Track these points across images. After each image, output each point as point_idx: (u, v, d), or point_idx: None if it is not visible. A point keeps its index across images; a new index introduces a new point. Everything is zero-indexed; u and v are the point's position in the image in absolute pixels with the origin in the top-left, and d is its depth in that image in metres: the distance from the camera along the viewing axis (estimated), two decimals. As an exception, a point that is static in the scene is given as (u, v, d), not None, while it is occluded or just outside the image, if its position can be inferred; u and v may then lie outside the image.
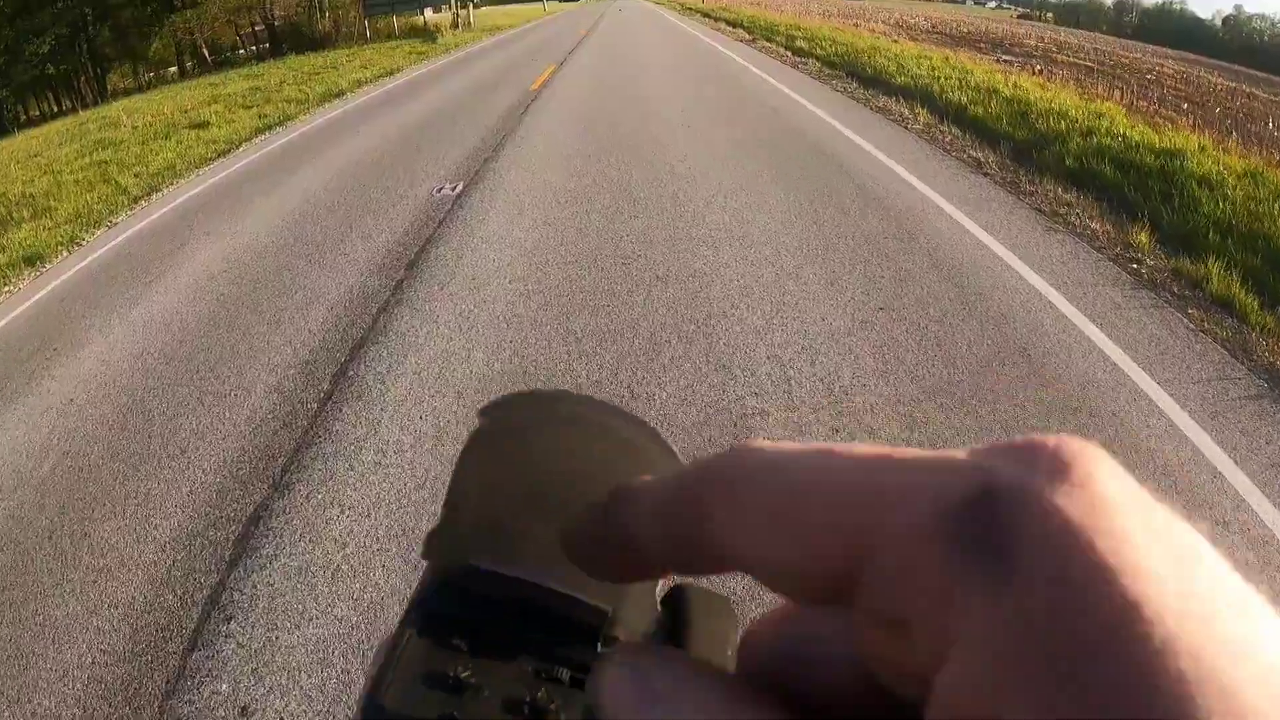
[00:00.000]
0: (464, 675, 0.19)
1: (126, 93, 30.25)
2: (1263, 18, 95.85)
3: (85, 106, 29.36)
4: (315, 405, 3.24)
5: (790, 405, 2.96)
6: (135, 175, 8.74)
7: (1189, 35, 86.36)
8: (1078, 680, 0.10)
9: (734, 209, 5.16)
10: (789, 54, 13.64)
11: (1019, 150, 6.89)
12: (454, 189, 6.13)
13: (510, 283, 4.25)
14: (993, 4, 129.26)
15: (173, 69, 35.01)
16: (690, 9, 37.30)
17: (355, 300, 4.28)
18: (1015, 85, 10.08)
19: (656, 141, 7.16)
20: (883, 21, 27.22)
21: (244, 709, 1.98)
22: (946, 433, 2.77)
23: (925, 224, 4.90)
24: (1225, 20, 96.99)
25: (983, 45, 23.19)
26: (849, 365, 3.20)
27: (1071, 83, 14.48)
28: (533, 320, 3.78)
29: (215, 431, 3.19)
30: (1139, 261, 4.35)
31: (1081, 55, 25.24)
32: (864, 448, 0.14)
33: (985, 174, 6.01)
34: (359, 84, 14.20)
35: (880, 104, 8.91)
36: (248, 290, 4.70)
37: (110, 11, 31.56)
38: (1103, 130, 7.12)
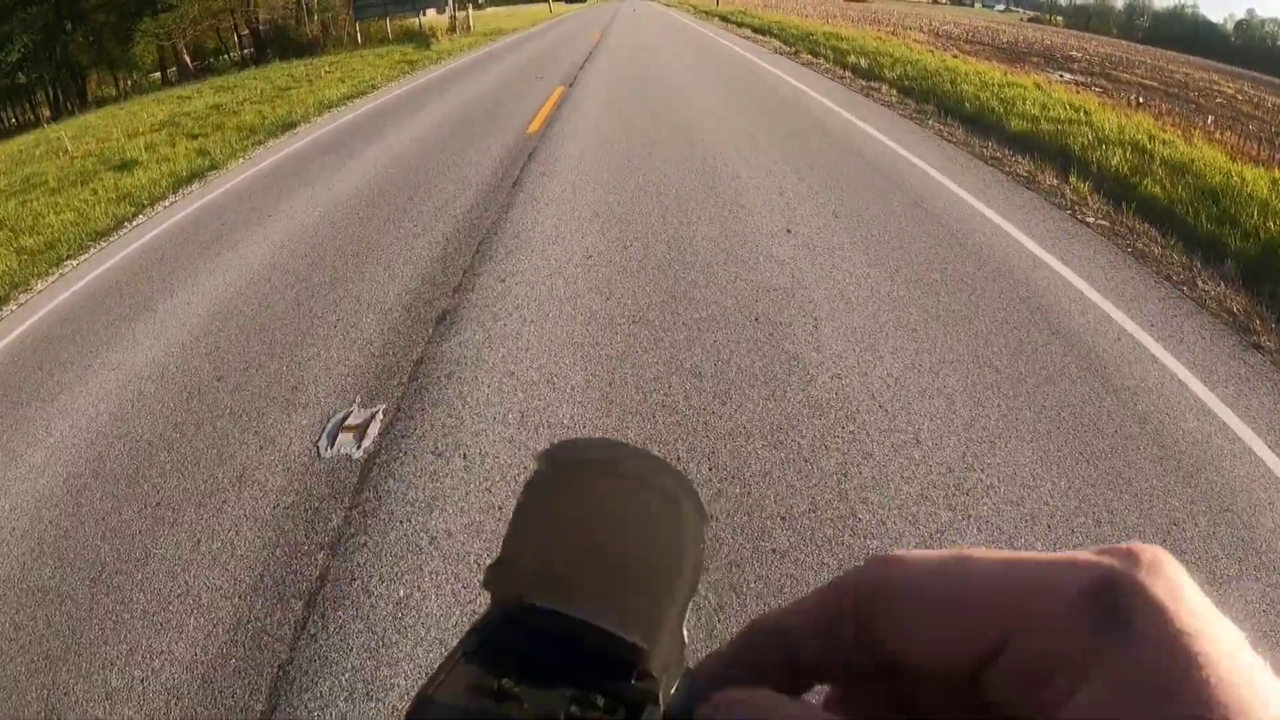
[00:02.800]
0: (507, 686, 0.21)
1: (101, 103, 27.90)
2: (1275, 22, 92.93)
3: (59, 117, 26.98)
4: None
5: None
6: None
7: (1200, 39, 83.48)
8: (1169, 703, 0.15)
9: (957, 474, 2.58)
10: (847, 74, 11.02)
11: (1252, 271, 4.36)
12: (358, 437, 2.89)
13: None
14: (1000, 6, 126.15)
15: (156, 75, 32.57)
16: (703, 11, 34.58)
17: None
18: (1156, 137, 7.57)
19: (751, 281, 3.95)
20: (920, 30, 24.67)
21: None
22: None
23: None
24: (1238, 25, 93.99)
25: (1034, 59, 20.53)
26: None
27: (1170, 116, 11.98)
28: None
29: None
30: None
31: (1136, 71, 22.56)
32: (996, 553, 0.19)
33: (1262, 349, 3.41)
34: (325, 107, 11.61)
35: (1014, 166, 6.34)
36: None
37: (84, 16, 28.95)
38: None
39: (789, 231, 4.36)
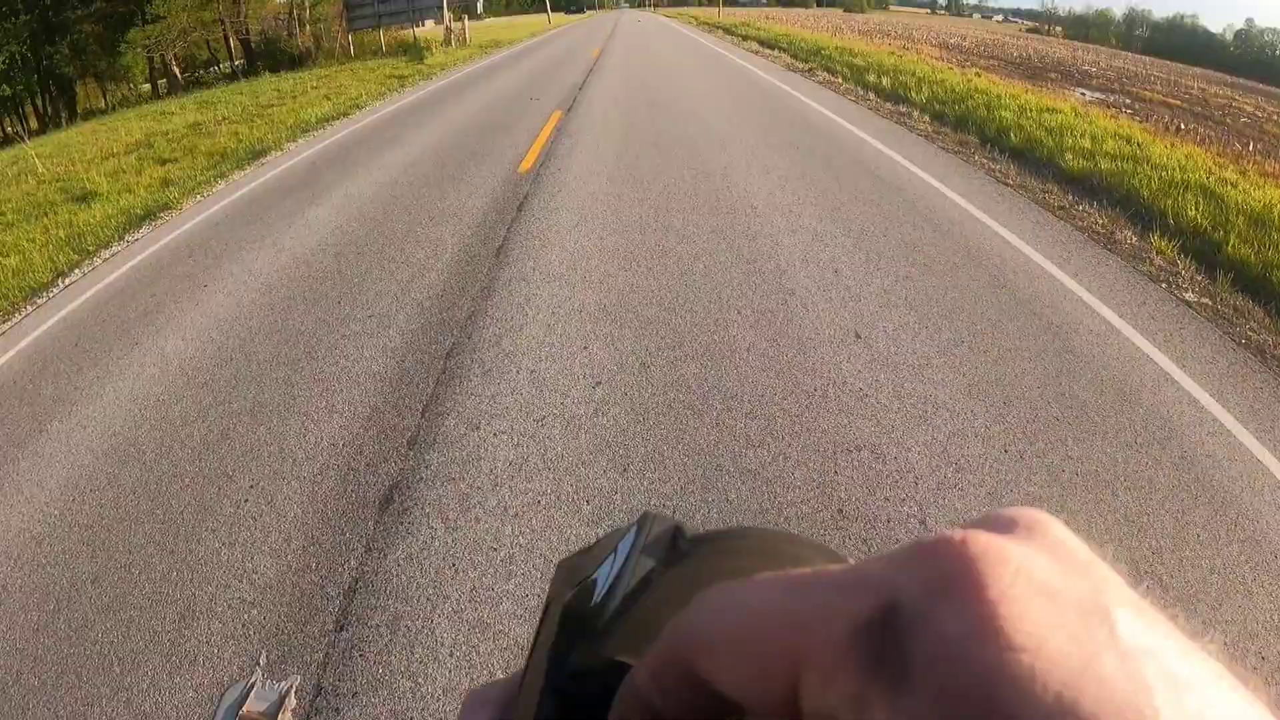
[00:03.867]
0: None
1: (90, 115, 27.08)
2: (1275, 31, 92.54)
3: (46, 130, 26.13)
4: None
5: None
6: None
7: (1200, 49, 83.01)
8: None
9: None
10: (871, 96, 10.07)
11: None
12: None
13: None
14: (998, 17, 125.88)
15: (147, 86, 31.70)
16: (705, 23, 33.75)
17: None
18: (1214, 173, 6.69)
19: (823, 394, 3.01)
20: (928, 43, 23.81)
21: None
22: None
23: None
24: (1237, 34, 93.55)
25: (1051, 75, 19.64)
26: None
27: (1213, 145, 11.14)
28: None
29: None
30: None
31: (1155, 88, 21.68)
32: (797, 573, 0.16)
33: None
34: (302, 129, 10.66)
35: (1085, 218, 5.39)
36: None
37: (70, 26, 28.08)
38: None
39: (858, 337, 3.37)
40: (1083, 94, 16.74)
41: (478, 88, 13.45)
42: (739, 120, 8.49)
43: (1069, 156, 6.90)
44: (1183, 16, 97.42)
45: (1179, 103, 18.00)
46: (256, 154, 9.30)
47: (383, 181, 6.73)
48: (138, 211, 7.37)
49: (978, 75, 12.83)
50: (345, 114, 11.70)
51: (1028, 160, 6.96)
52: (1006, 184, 6.05)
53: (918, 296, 3.81)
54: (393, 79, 16.57)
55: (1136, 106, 14.85)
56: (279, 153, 9.27)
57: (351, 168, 7.58)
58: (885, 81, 10.79)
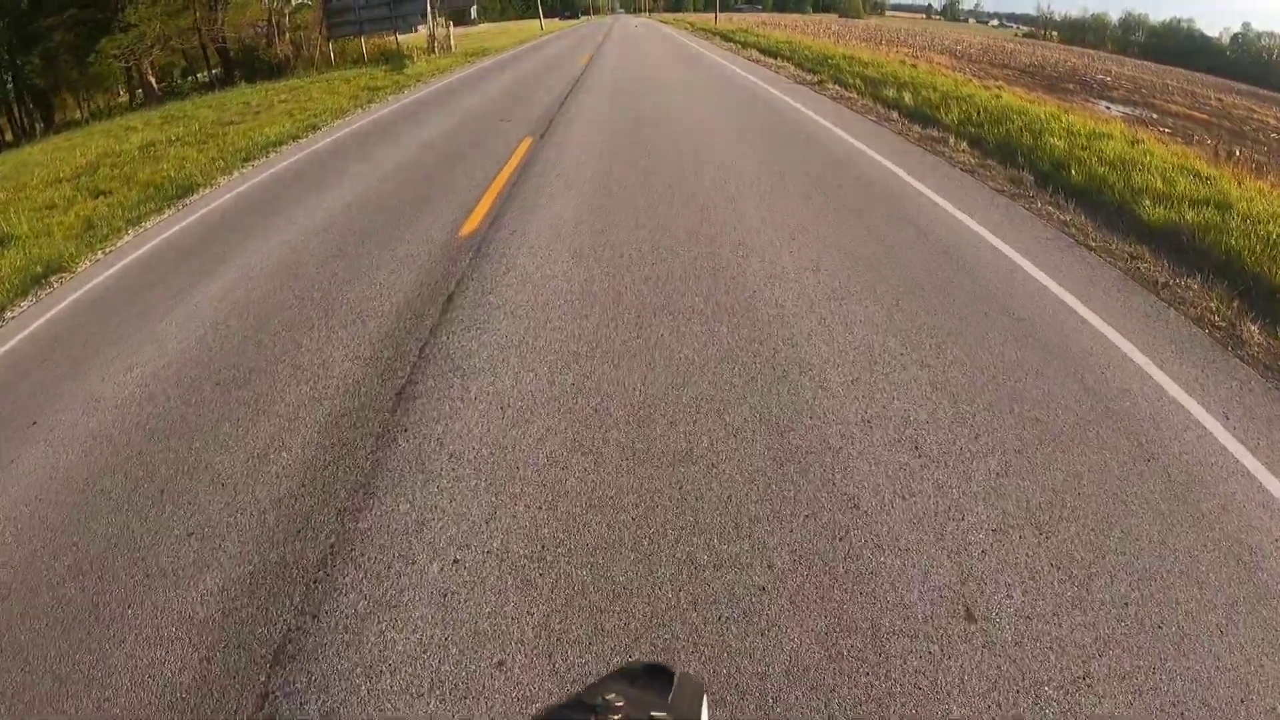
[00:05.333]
0: None
1: (68, 126, 25.79)
2: (1271, 35, 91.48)
3: (20, 141, 24.83)
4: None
5: None
6: None
7: (1197, 53, 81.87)
8: None
9: None
10: (895, 115, 8.66)
11: None
12: None
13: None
14: (994, 22, 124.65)
15: (125, 97, 30.25)
16: (702, 29, 32.35)
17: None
18: None
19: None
20: (935, 50, 22.46)
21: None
22: None
23: None
24: (1233, 38, 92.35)
25: (1069, 85, 18.30)
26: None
27: (1272, 174, 9.86)
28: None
29: None
30: None
31: (1175, 100, 20.33)
32: None
33: None
34: (246, 158, 9.26)
35: (1191, 297, 4.02)
36: None
37: (42, 36, 26.62)
38: None
39: (963, 605, 1.98)
40: (1107, 107, 15.44)
41: (446, 105, 12.03)
42: (747, 151, 7.06)
43: (1146, 203, 5.54)
44: (1179, 21, 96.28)
45: (1205, 116, 16.69)
46: (185, 191, 7.91)
47: (292, 245, 5.26)
48: (38, 270, 6.00)
49: (1001, 89, 11.46)
50: (298, 136, 10.28)
51: (1097, 206, 5.59)
52: (1088, 246, 4.67)
53: (1040, 494, 2.41)
54: (366, 92, 15.19)
55: (1171, 124, 13.54)
56: (208, 189, 7.86)
57: (269, 218, 6.15)
58: (907, 98, 9.40)
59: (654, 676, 0.46)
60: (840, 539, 2.16)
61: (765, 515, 2.24)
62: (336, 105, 13.05)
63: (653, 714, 0.42)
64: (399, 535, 2.30)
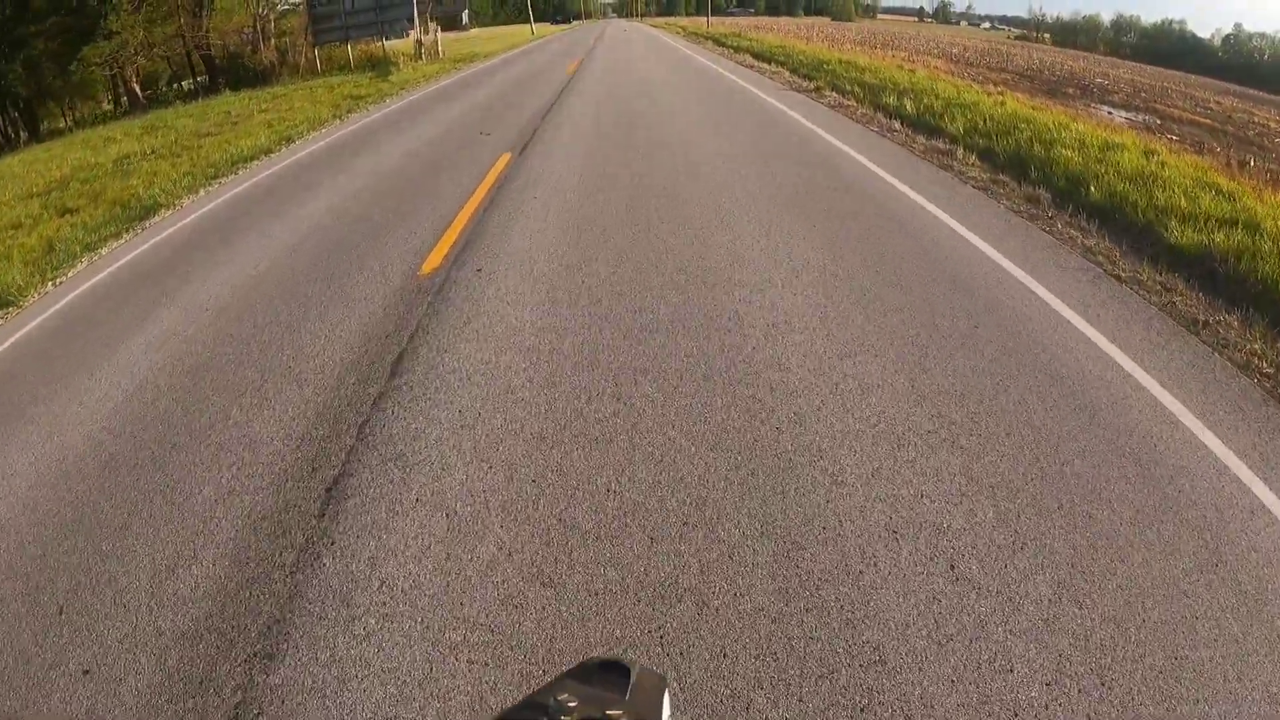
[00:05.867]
0: None
1: (53, 135, 25.25)
2: (1263, 36, 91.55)
3: (2, 152, 24.26)
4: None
5: None
6: None
7: (1189, 55, 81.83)
8: None
9: None
10: (897, 124, 8.18)
11: None
12: None
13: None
14: (986, 25, 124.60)
15: (110, 105, 29.68)
16: (693, 33, 31.91)
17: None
18: None
19: None
20: (929, 54, 22.04)
21: None
22: None
23: None
24: (1226, 39, 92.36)
25: (1070, 89, 17.89)
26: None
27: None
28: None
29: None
30: None
31: (1177, 104, 19.96)
32: None
33: None
34: (214, 175, 8.77)
35: (1236, 338, 3.57)
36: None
37: (24, 43, 26.03)
38: None
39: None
40: (1110, 112, 15.04)
41: (428, 113, 11.55)
42: (743, 167, 6.58)
43: (1173, 224, 5.11)
44: (1171, 22, 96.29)
45: (1209, 121, 16.30)
46: (147, 211, 7.42)
47: (237, 285, 4.75)
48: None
49: (1003, 95, 11.02)
50: (271, 150, 9.79)
51: (1121, 227, 5.14)
52: (1117, 277, 4.22)
53: (1100, 626, 1.95)
54: (348, 100, 14.70)
55: (1177, 130, 13.14)
56: (170, 211, 7.38)
57: (217, 252, 5.64)
58: (908, 105, 8.95)
59: (610, 673, 0.43)
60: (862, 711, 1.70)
61: (768, 679, 1.77)
62: (316, 116, 12.56)
63: (608, 712, 0.41)
64: (315, 696, 1.82)
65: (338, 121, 11.99)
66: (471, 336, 3.58)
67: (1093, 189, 5.75)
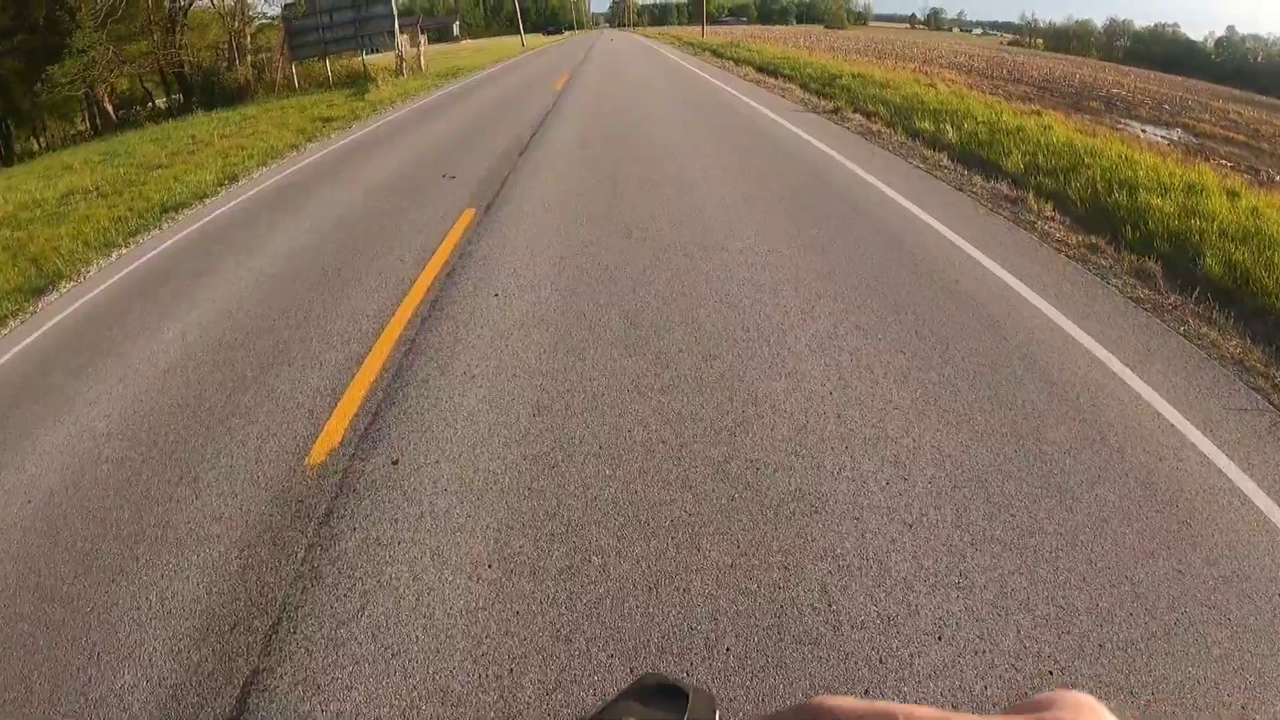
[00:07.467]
0: None
1: (22, 158, 23.99)
2: (1256, 38, 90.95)
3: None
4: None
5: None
6: None
7: (1182, 58, 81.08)
8: None
9: None
10: (945, 160, 6.81)
11: None
12: None
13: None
14: (978, 31, 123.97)
15: (83, 127, 28.35)
16: (690, 44, 30.66)
17: None
18: None
19: None
20: (939, 64, 20.84)
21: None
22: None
23: None
24: (1219, 42, 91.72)
25: (1094, 104, 16.65)
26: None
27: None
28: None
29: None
30: None
31: (1203, 118, 18.72)
32: (921, 710, 0.19)
33: None
34: (130, 232, 7.42)
35: None
36: None
37: (-11, 61, 24.67)
38: None
39: None
40: (1142, 130, 13.78)
41: (394, 144, 10.18)
42: (770, 229, 5.21)
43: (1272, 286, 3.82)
44: (1164, 26, 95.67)
45: (1241, 137, 15.08)
46: (49, 282, 6.02)
47: (77, 458, 3.39)
48: None
49: (1039, 113, 9.73)
50: (206, 196, 8.39)
51: (1253, 315, 3.82)
52: (1252, 379, 2.91)
53: None
54: (317, 123, 13.40)
55: (1221, 150, 11.90)
56: (68, 284, 6.01)
57: (96, 362, 4.27)
58: (950, 133, 7.63)
59: (667, 694, 0.43)
60: None
61: None
62: (275, 144, 11.23)
63: None
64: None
65: (294, 153, 10.66)
66: (377, 640, 2.02)
67: (1209, 260, 4.41)
